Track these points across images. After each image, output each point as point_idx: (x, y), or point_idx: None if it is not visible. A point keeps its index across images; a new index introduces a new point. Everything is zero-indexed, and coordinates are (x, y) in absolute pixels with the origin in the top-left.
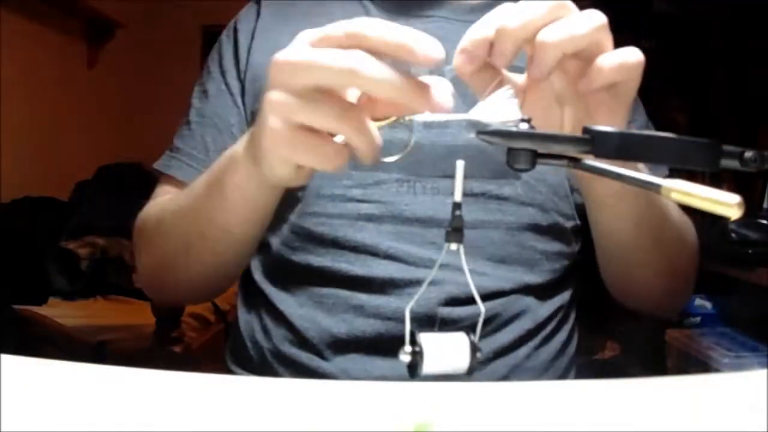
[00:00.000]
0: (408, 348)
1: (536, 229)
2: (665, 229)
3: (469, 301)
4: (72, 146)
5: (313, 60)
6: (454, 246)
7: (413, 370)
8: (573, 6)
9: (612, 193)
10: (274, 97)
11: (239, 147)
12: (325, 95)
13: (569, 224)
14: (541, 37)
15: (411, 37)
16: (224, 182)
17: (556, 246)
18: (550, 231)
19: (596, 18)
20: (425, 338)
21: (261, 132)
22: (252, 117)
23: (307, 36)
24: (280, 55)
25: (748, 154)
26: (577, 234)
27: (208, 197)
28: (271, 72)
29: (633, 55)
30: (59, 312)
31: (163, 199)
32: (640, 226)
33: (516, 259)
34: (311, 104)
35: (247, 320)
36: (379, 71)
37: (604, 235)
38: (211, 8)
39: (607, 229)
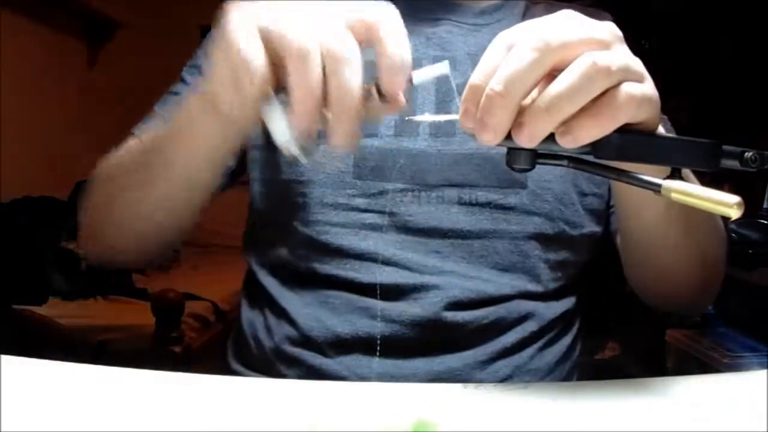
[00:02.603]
0: None
1: (541, 238)
2: (696, 213)
3: (473, 305)
4: (72, 146)
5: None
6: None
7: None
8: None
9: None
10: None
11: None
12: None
13: (575, 232)
14: (604, 61)
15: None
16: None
17: (561, 255)
18: (556, 240)
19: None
20: None
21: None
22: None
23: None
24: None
25: (748, 154)
26: (588, 242)
27: (165, 129)
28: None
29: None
30: (59, 312)
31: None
32: (670, 210)
33: (520, 269)
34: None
35: (250, 318)
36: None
37: (634, 221)
38: (211, 8)
39: (636, 213)
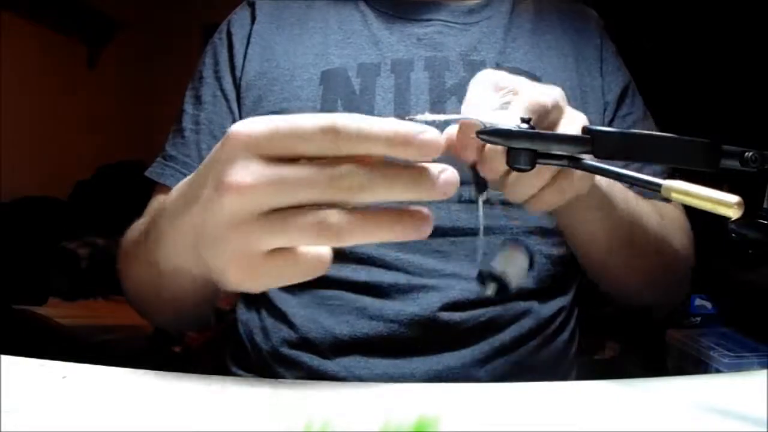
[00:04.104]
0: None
1: (542, 232)
2: (634, 234)
3: (470, 306)
4: (72, 146)
5: (281, 178)
6: (483, 196)
7: (503, 292)
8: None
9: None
10: (234, 223)
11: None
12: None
13: None
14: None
15: (404, 127)
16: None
17: (561, 249)
18: (556, 234)
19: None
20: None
21: (219, 259)
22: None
23: (266, 129)
24: (235, 176)
25: (748, 154)
26: None
27: (160, 240)
28: (225, 198)
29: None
30: (59, 312)
31: (144, 220)
32: (604, 230)
33: None
34: (281, 223)
35: (245, 321)
36: (367, 125)
37: (570, 234)
38: (211, 8)
39: (570, 227)
